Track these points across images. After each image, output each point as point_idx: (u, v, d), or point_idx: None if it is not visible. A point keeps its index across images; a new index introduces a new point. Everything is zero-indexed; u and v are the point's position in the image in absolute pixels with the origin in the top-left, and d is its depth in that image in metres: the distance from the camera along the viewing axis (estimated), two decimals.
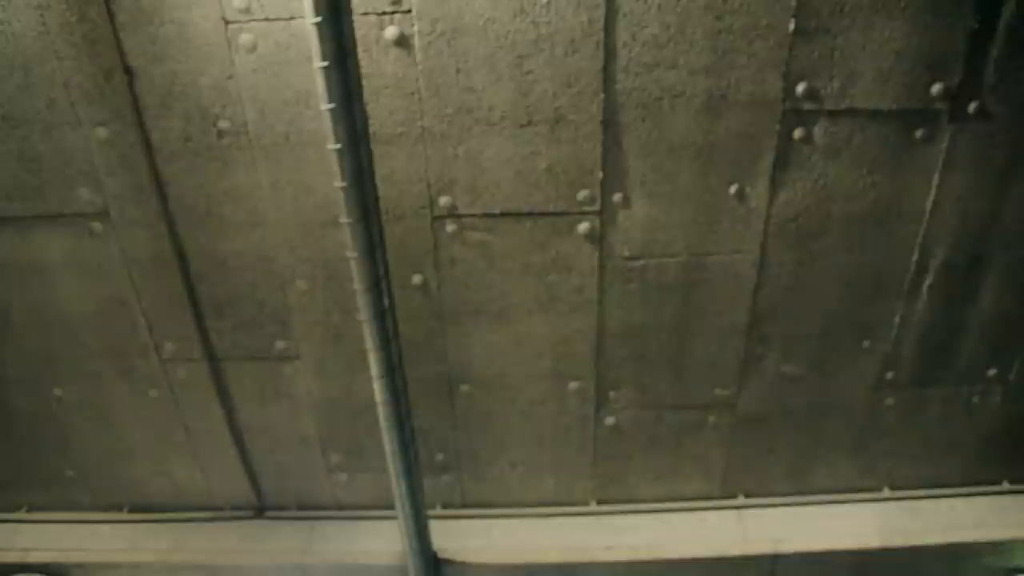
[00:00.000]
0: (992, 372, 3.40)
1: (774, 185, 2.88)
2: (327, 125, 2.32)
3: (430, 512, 3.48)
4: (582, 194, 2.89)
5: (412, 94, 2.69)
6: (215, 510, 3.86)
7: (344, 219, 2.51)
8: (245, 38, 2.59)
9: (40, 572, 3.74)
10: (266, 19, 2.56)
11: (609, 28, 2.57)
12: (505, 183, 2.87)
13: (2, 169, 2.89)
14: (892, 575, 3.70)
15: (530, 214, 2.94)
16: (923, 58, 2.63)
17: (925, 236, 3.01)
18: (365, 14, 2.53)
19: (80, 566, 3.73)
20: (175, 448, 3.64)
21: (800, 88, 2.68)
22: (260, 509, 3.85)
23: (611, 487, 3.75)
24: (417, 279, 3.10)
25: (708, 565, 3.61)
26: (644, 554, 3.57)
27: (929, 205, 2.94)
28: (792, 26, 2.57)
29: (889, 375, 3.38)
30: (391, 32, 2.58)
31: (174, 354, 3.33)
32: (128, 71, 2.66)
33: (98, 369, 3.40)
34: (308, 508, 3.86)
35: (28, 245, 3.05)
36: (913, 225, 2.99)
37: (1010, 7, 2.53)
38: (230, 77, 2.67)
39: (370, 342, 2.68)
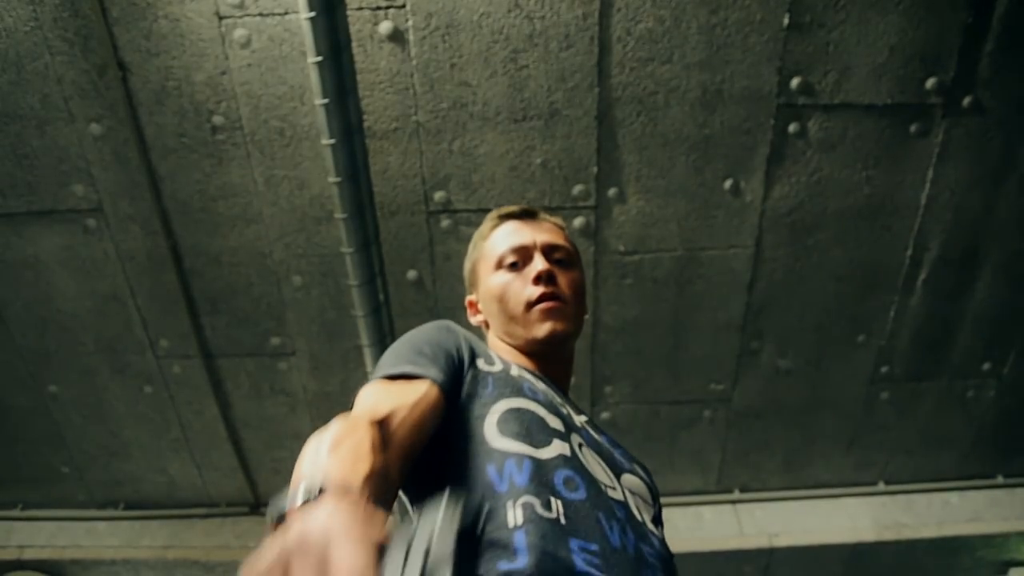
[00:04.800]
0: (986, 366, 3.41)
1: (769, 180, 2.88)
2: (321, 120, 2.32)
3: None
4: (577, 189, 2.89)
5: (406, 89, 2.69)
6: (211, 506, 3.85)
7: (339, 215, 2.52)
8: (239, 33, 2.59)
9: (36, 570, 3.73)
10: (260, 14, 2.55)
11: (604, 23, 2.57)
12: (500, 178, 2.86)
13: None
14: (887, 569, 3.72)
15: None
16: (917, 52, 2.63)
17: (920, 230, 3.02)
18: (359, 9, 2.53)
19: (76, 563, 3.73)
20: (170, 445, 3.63)
21: (795, 82, 2.68)
22: (256, 505, 3.85)
23: None
24: (412, 275, 3.10)
25: (704, 559, 3.62)
26: None
27: (924, 199, 2.94)
28: (786, 20, 2.57)
29: (884, 369, 3.39)
30: (385, 27, 2.57)
31: (169, 350, 3.32)
32: (122, 66, 2.65)
33: (93, 366, 3.39)
34: None
35: (22, 241, 3.04)
36: (908, 219, 2.99)
37: (1004, 1, 2.54)
38: (224, 72, 2.66)
39: (365, 338, 2.68)
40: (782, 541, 3.61)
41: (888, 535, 3.59)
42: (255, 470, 3.74)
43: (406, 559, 0.57)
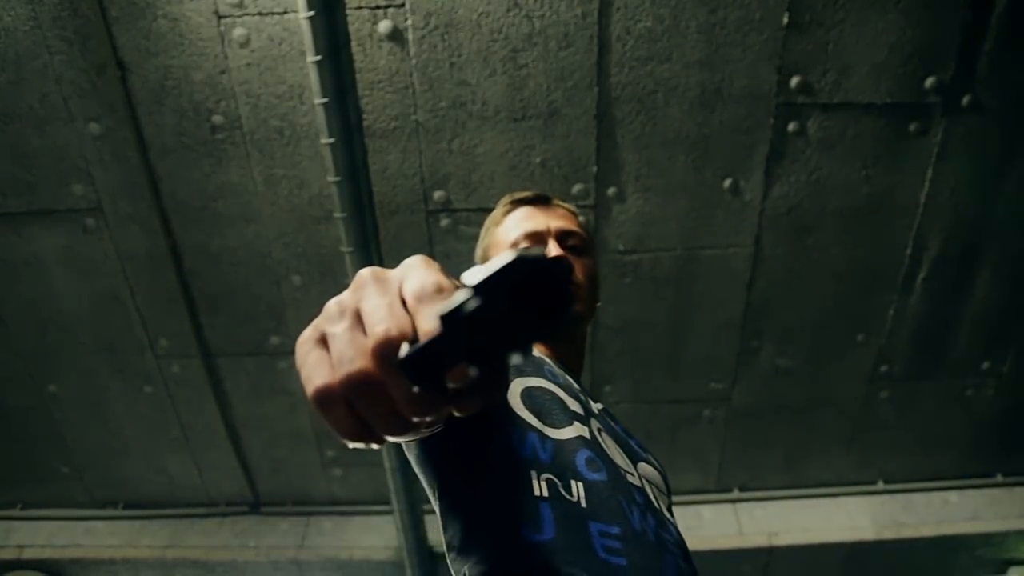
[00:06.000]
0: (986, 365, 3.41)
1: (768, 179, 2.88)
2: (321, 120, 2.32)
3: (425, 507, 3.48)
4: (576, 188, 2.89)
5: (406, 88, 2.69)
6: (210, 506, 3.85)
7: (338, 214, 2.52)
8: (238, 32, 2.59)
9: (36, 569, 3.73)
10: (259, 13, 2.56)
11: (603, 22, 2.57)
12: (499, 177, 2.86)
13: None
14: (886, 568, 3.72)
15: None
16: (917, 52, 2.63)
17: (919, 229, 3.02)
18: (358, 8, 2.53)
19: (75, 562, 3.73)
20: (170, 444, 3.63)
21: (794, 82, 2.68)
22: (255, 505, 3.85)
23: None
24: None
25: (704, 559, 3.62)
26: None
27: (923, 198, 2.94)
28: (786, 19, 2.57)
29: (883, 368, 3.39)
30: (384, 26, 2.57)
31: (168, 350, 3.32)
32: (121, 66, 2.65)
33: (93, 366, 3.39)
34: (303, 503, 3.86)
35: (21, 241, 3.04)
36: (907, 218, 3.00)
37: (1003, 1, 2.54)
38: (223, 72, 2.66)
39: None
40: (781, 540, 3.61)
41: (887, 534, 3.59)
42: (255, 470, 3.74)
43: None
